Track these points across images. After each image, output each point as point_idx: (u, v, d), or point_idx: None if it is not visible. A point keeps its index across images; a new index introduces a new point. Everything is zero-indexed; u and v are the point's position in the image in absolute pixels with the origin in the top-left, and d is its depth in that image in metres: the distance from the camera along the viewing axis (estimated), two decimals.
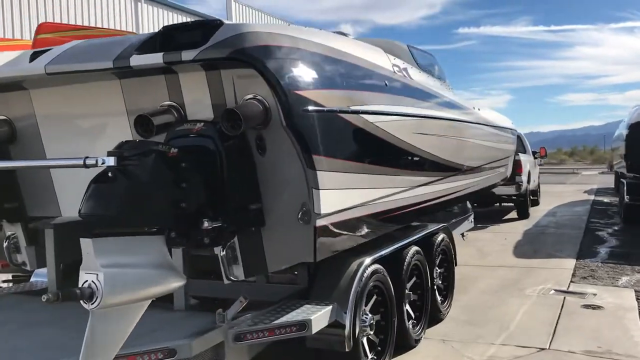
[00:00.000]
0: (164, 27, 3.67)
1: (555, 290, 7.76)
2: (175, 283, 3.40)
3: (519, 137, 16.72)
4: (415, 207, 5.49)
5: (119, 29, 21.22)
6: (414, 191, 5.37)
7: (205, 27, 3.51)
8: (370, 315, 4.85)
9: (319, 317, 4.12)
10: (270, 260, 3.89)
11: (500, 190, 14.63)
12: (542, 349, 5.56)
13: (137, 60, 3.51)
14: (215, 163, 3.50)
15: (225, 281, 3.97)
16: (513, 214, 15.72)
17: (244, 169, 3.66)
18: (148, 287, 3.19)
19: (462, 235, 10.53)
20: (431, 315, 6.30)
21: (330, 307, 4.30)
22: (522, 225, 14.07)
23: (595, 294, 7.49)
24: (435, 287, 6.36)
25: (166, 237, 3.36)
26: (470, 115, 7.32)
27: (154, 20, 22.86)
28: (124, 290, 3.02)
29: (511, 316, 6.61)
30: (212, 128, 3.53)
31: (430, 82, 6.51)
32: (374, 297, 4.96)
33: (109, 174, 3.07)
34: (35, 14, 18.28)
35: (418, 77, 6.16)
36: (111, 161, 3.05)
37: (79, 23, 19.68)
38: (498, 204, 16.09)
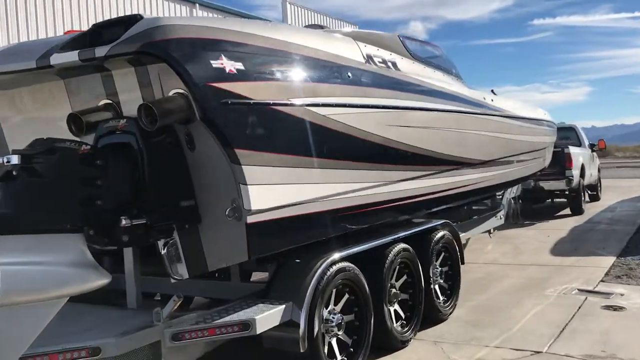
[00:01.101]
0: (93, 25, 3.66)
1: (579, 289, 7.28)
2: (96, 281, 3.37)
3: (573, 130, 16.04)
4: (397, 203, 5.27)
5: None
6: (395, 186, 5.16)
7: (124, 23, 3.47)
8: (339, 315, 4.69)
9: (265, 316, 4.01)
10: (209, 258, 3.81)
11: (550, 185, 14.05)
12: (537, 352, 5.20)
13: (56, 59, 3.52)
14: (135, 160, 3.46)
15: (172, 280, 3.93)
16: (567, 210, 14.96)
17: (171, 165, 3.59)
18: (60, 286, 3.17)
19: (489, 232, 10.14)
20: (429, 316, 6.06)
21: (284, 306, 4.18)
22: (573, 222, 13.36)
23: (622, 294, 6.98)
24: (433, 286, 6.08)
25: (86, 235, 3.35)
26: (480, 107, 6.97)
27: None
28: (29, 288, 3.01)
29: (519, 317, 6.24)
30: (134, 125, 3.49)
31: (426, 73, 6.25)
32: (346, 296, 4.80)
33: (13, 173, 3.07)
34: (91, 20, 19.07)
35: (409, 68, 5.93)
36: (15, 159, 3.05)
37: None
38: (550, 200, 15.37)
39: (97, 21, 3.81)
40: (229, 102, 3.42)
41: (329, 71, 4.39)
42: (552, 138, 10.49)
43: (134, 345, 3.58)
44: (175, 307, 3.74)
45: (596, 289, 7.27)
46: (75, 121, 3.71)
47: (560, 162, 14.05)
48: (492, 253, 10.16)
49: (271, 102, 3.72)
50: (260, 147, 3.64)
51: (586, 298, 6.89)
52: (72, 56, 3.46)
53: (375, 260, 5.20)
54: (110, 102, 3.81)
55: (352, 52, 4.87)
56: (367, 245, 4.97)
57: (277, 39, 3.99)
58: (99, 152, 3.37)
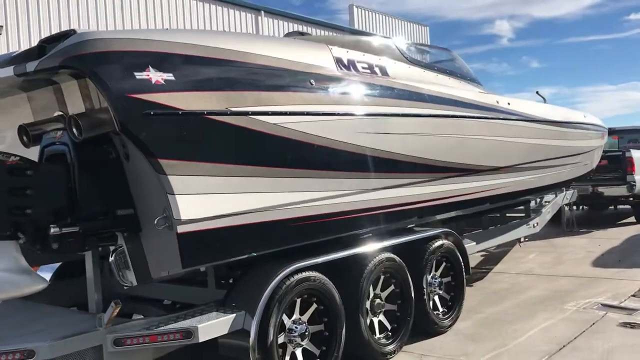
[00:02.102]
0: (40, 40, 3.82)
1: (602, 304, 6.84)
2: (30, 287, 3.52)
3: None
4: (377, 212, 5.15)
5: None
6: (372, 194, 5.04)
7: (61, 38, 3.60)
8: (304, 325, 4.64)
9: (210, 324, 4.04)
10: (151, 267, 3.88)
11: (610, 191, 13.32)
12: None
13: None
14: (68, 170, 3.57)
15: (124, 288, 4.04)
16: (632, 218, 14.08)
17: (106, 174, 3.69)
18: None
19: (519, 241, 9.73)
20: (424, 328, 5.90)
21: (234, 315, 4.19)
22: (634, 230, 12.58)
23: None
24: (428, 297, 5.90)
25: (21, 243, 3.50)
26: (491, 111, 6.70)
27: (275, 32, 23.66)
28: None
29: (522, 332, 5.95)
30: (67, 136, 3.61)
31: (425, 78, 6.10)
32: (314, 305, 4.74)
33: None
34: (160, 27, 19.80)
35: (403, 73, 5.81)
36: None
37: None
38: (613, 207, 14.53)
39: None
40: (152, 112, 3.46)
41: (283, 79, 4.36)
42: (598, 141, 9.93)
43: (70, 349, 3.69)
44: (115, 313, 3.83)
45: (622, 304, 6.80)
46: (25, 133, 3.88)
47: (622, 167, 13.30)
48: (529, 263, 9.73)
49: (206, 111, 3.74)
50: (191, 157, 3.67)
51: (606, 313, 6.47)
52: (9, 71, 3.62)
53: (351, 270, 5.10)
54: (62, 113, 3.95)
55: (319, 59, 4.81)
56: (334, 256, 4.88)
57: (218, 47, 4.00)
58: (30, 162, 3.51)
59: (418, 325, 5.89)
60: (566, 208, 12.98)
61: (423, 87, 5.85)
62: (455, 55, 7.27)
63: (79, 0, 17.84)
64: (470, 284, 8.33)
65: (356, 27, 27.56)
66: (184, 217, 3.62)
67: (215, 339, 4.24)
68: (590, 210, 15.70)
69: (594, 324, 6.13)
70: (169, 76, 3.62)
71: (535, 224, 8.89)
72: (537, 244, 11.64)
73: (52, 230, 3.48)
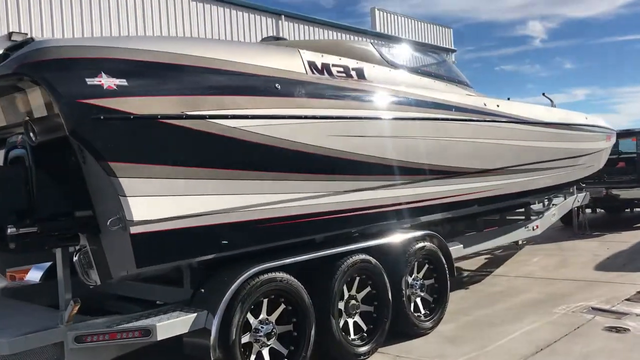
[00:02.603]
0: (5, 48, 3.98)
1: (593, 308, 6.75)
2: None
3: None
4: (348, 214, 5.19)
5: None
6: (344, 196, 5.10)
7: (20, 46, 3.75)
8: (271, 325, 4.72)
9: (170, 323, 4.14)
10: (111, 267, 4.00)
11: (626, 194, 13.09)
12: None
13: None
14: (26, 172, 3.72)
15: (90, 286, 4.18)
16: None
17: (63, 177, 3.82)
18: None
19: (517, 243, 9.66)
20: (404, 330, 5.92)
21: (196, 314, 4.29)
22: None
23: (638, 315, 6.40)
24: (408, 299, 5.92)
25: None
26: (478, 114, 6.69)
27: (295, 36, 23.80)
28: None
29: (504, 335, 5.91)
30: (26, 140, 3.76)
31: (409, 81, 6.13)
32: (282, 306, 4.82)
33: None
34: (181, 33, 20.12)
35: (383, 76, 5.86)
36: None
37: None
38: (629, 210, 14.26)
39: None
40: (102, 117, 3.58)
41: (246, 83, 4.44)
42: (603, 143, 9.78)
43: (29, 346, 3.83)
44: (74, 311, 3.96)
45: (613, 308, 6.70)
46: None
47: (638, 169, 13.06)
48: (532, 266, 9.63)
49: (159, 115, 3.84)
50: (144, 160, 3.78)
51: (593, 317, 6.38)
52: None
53: (322, 272, 5.16)
54: (28, 118, 4.10)
55: (287, 63, 4.88)
56: (301, 258, 4.93)
57: (175, 53, 4.12)
58: None
59: (398, 326, 5.92)
60: (580, 211, 12.82)
61: (403, 90, 5.89)
62: (443, 58, 7.30)
63: (102, 5, 18.21)
64: (466, 286, 8.33)
65: (378, 30, 27.56)
66: (136, 218, 3.73)
67: (181, 338, 4.35)
68: (606, 213, 15.43)
69: (578, 327, 6.06)
70: (122, 82, 3.74)
71: (535, 227, 8.79)
72: (545, 246, 11.52)
73: (9, 230, 3.63)
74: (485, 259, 10.53)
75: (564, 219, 13.19)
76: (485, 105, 6.90)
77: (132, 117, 3.72)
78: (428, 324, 6.10)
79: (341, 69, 5.47)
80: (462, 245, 6.95)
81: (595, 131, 9.42)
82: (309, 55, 5.24)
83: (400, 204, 5.76)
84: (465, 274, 9.36)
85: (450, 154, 6.23)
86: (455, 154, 6.30)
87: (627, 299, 7.08)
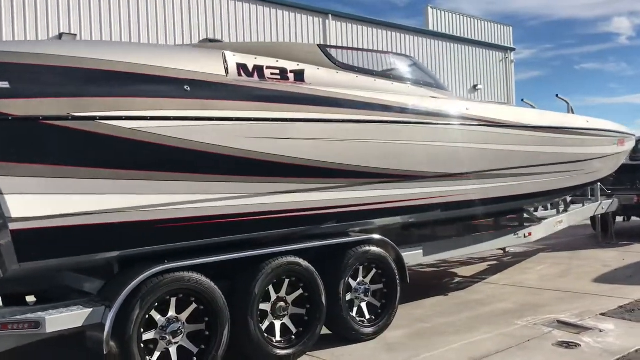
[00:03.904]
0: None
1: (559, 321, 6.44)
2: None
3: None
4: (266, 217, 5.18)
5: None
6: (261, 199, 5.09)
7: None
8: (179, 323, 4.79)
9: (61, 317, 4.29)
10: (6, 260, 4.18)
11: None
12: None
13: None
14: None
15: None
16: None
17: None
18: None
19: (504, 250, 9.34)
20: (344, 334, 5.88)
21: (92, 309, 4.43)
22: None
23: (602, 331, 6.06)
24: (348, 303, 5.86)
25: None
26: (440, 117, 6.51)
27: (343, 36, 23.79)
28: None
29: (446, 345, 5.75)
30: None
31: (360, 84, 6.06)
32: (193, 305, 4.88)
33: None
34: (223, 36, 20.54)
35: (329, 79, 5.82)
36: None
37: (267, 42, 21.50)
38: None
39: None
40: None
41: (147, 85, 4.51)
42: (611, 148, 9.27)
43: None
44: None
45: (580, 323, 6.36)
46: None
47: None
48: (531, 274, 9.28)
49: (41, 116, 3.99)
50: (25, 159, 3.93)
51: (551, 331, 6.10)
52: None
53: (244, 273, 5.19)
54: None
55: (202, 66, 4.93)
56: (215, 259, 4.97)
57: (65, 56, 4.24)
58: None
59: (337, 331, 5.89)
60: (609, 218, 12.22)
61: (347, 93, 5.81)
62: (413, 61, 7.14)
63: (149, 6, 18.81)
64: (447, 293, 8.14)
65: (430, 28, 27.14)
66: (15, 215, 3.89)
67: (84, 333, 4.51)
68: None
69: (528, 340, 5.81)
70: (4, 84, 3.91)
71: (527, 234, 8.45)
72: (559, 254, 11.09)
73: None
74: (488, 265, 10.24)
75: (601, 226, 12.64)
76: (450, 107, 6.70)
77: (10, 118, 3.88)
78: (371, 330, 6.01)
79: (276, 72, 5.47)
80: (421, 251, 6.79)
81: (600, 135, 8.94)
82: (238, 58, 5.27)
83: (339, 207, 5.69)
84: (457, 280, 9.14)
85: (401, 157, 6.10)
86: (408, 157, 6.16)
87: (602, 314, 6.70)
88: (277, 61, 5.54)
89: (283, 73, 5.52)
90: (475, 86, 27.99)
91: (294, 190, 5.30)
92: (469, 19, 29.00)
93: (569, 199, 11.39)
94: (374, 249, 6.08)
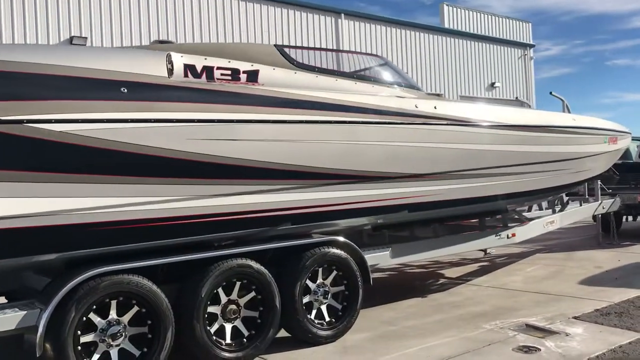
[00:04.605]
0: None
1: (527, 325, 6.28)
2: None
3: None
4: (212, 219, 5.15)
5: (319, 46, 22.59)
6: (206, 201, 5.07)
7: None
8: (119, 325, 4.79)
9: None
10: None
11: None
12: None
13: None
14: None
15: None
16: None
17: None
18: None
19: (485, 251, 9.17)
20: (302, 337, 5.82)
21: (26, 312, 4.47)
22: None
23: (568, 334, 5.90)
24: (306, 306, 5.81)
25: None
26: (404, 116, 6.41)
27: (356, 35, 23.68)
28: None
29: (401, 350, 5.64)
30: None
31: (320, 84, 6.00)
32: (135, 308, 4.89)
33: None
34: (234, 36, 20.62)
35: (285, 79, 5.78)
36: None
37: (279, 42, 21.52)
38: None
39: None
40: None
41: (77, 88, 4.51)
42: (599, 147, 9.03)
43: None
44: None
45: (548, 326, 6.19)
46: None
47: None
48: (519, 275, 9.10)
49: None
50: None
51: (515, 335, 5.95)
52: None
53: (192, 276, 5.18)
54: None
55: (142, 67, 4.92)
56: (156, 261, 4.97)
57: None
58: None
59: (297, 334, 5.84)
60: (612, 219, 11.94)
61: (306, 94, 5.76)
62: (379, 60, 7.03)
63: (159, 8, 18.95)
64: (426, 294, 8.03)
65: (446, 26, 26.86)
66: None
67: (22, 335, 4.55)
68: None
69: (489, 345, 5.68)
70: None
71: (511, 235, 8.27)
72: (554, 255, 10.87)
73: None
74: (479, 266, 10.07)
75: (602, 226, 12.35)
76: (416, 107, 6.58)
77: None
78: (330, 333, 5.93)
79: (227, 72, 5.44)
80: (388, 253, 6.69)
81: (588, 133, 8.71)
82: (186, 59, 5.25)
83: (292, 208, 5.64)
84: (441, 281, 9.00)
85: (360, 158, 6.01)
86: (368, 157, 6.07)
87: (575, 317, 6.52)
88: (229, 62, 5.51)
89: (235, 74, 5.48)
90: (492, 84, 27.61)
91: (242, 192, 5.26)
92: (486, 15, 28.59)
93: (565, 198, 11.15)
94: (333, 250, 6.01)
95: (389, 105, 6.35)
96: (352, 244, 6.16)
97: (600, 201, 11.21)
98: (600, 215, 11.77)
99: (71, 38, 17.38)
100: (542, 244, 12.03)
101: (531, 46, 30.04)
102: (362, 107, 6.10)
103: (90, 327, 4.70)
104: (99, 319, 4.73)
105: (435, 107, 6.74)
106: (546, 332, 6.02)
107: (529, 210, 10.64)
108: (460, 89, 26.23)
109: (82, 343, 4.63)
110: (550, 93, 10.04)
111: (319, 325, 5.90)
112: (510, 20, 29.71)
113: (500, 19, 29.28)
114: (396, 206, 6.50)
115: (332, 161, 5.80)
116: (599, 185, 11.33)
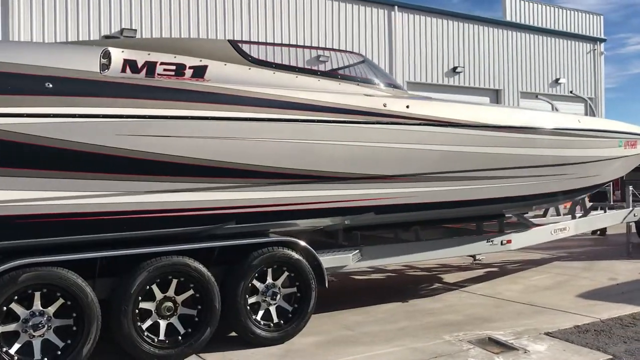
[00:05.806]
0: None
1: (489, 338, 5.94)
2: None
3: None
4: (150, 215, 5.15)
5: (370, 40, 22.29)
6: (134, 197, 5.05)
7: None
8: (43, 317, 4.85)
9: None
10: None
11: None
12: None
13: None
14: None
15: None
16: None
17: None
18: None
19: (474, 257, 8.74)
20: (243, 338, 5.74)
21: None
22: None
23: (527, 352, 5.53)
24: (250, 306, 5.72)
25: None
26: (370, 115, 6.17)
27: (410, 27, 23.19)
28: None
29: (346, 356, 5.46)
30: None
31: (277, 81, 5.88)
32: (60, 300, 4.94)
33: None
34: (282, 30, 20.63)
35: (236, 75, 5.69)
36: None
37: (329, 37, 21.42)
38: None
39: None
40: None
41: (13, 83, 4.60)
42: (611, 151, 8.40)
43: None
44: None
45: (511, 342, 5.82)
46: None
47: None
48: (519, 284, 8.64)
49: None
50: None
51: (471, 349, 5.63)
52: None
53: (124, 271, 5.18)
54: None
55: (70, 62, 4.93)
56: (82, 255, 4.99)
57: None
58: None
59: (240, 334, 5.77)
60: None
61: (259, 90, 5.64)
62: (354, 57, 6.80)
63: (208, 3, 19.17)
64: (407, 299, 7.75)
65: (508, 18, 25.85)
66: None
67: None
68: None
69: (435, 357, 5.40)
70: None
71: (506, 242, 7.85)
72: (573, 264, 10.29)
73: None
74: (485, 272, 9.64)
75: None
76: (384, 106, 6.31)
77: None
78: (276, 335, 5.82)
79: (171, 68, 5.40)
80: (350, 256, 6.47)
81: (596, 137, 8.12)
82: (127, 54, 5.25)
83: (237, 207, 5.55)
84: (434, 285, 8.68)
85: (316, 157, 5.83)
86: (325, 157, 5.88)
87: (548, 333, 6.10)
88: (175, 57, 5.46)
89: (179, 69, 5.44)
90: (557, 80, 26.27)
91: (177, 189, 5.21)
92: (552, 7, 27.30)
93: (589, 204, 10.51)
94: (283, 250, 5.87)
95: (352, 103, 6.12)
96: (305, 244, 6.00)
97: (631, 208, 10.49)
98: (632, 224, 11.02)
99: (122, 30, 17.87)
100: (566, 251, 11.40)
101: (602, 40, 28.44)
102: (319, 105, 5.90)
103: (11, 317, 4.78)
104: (22, 309, 4.81)
105: (407, 107, 6.45)
106: (505, 348, 5.67)
107: (544, 215, 10.06)
108: (522, 85, 25.16)
109: (2, 333, 4.72)
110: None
111: (264, 327, 5.79)
112: (579, 13, 28.23)
113: (568, 11, 27.89)
114: (360, 208, 6.29)
115: (285, 160, 5.65)
116: (631, 191, 10.61)
